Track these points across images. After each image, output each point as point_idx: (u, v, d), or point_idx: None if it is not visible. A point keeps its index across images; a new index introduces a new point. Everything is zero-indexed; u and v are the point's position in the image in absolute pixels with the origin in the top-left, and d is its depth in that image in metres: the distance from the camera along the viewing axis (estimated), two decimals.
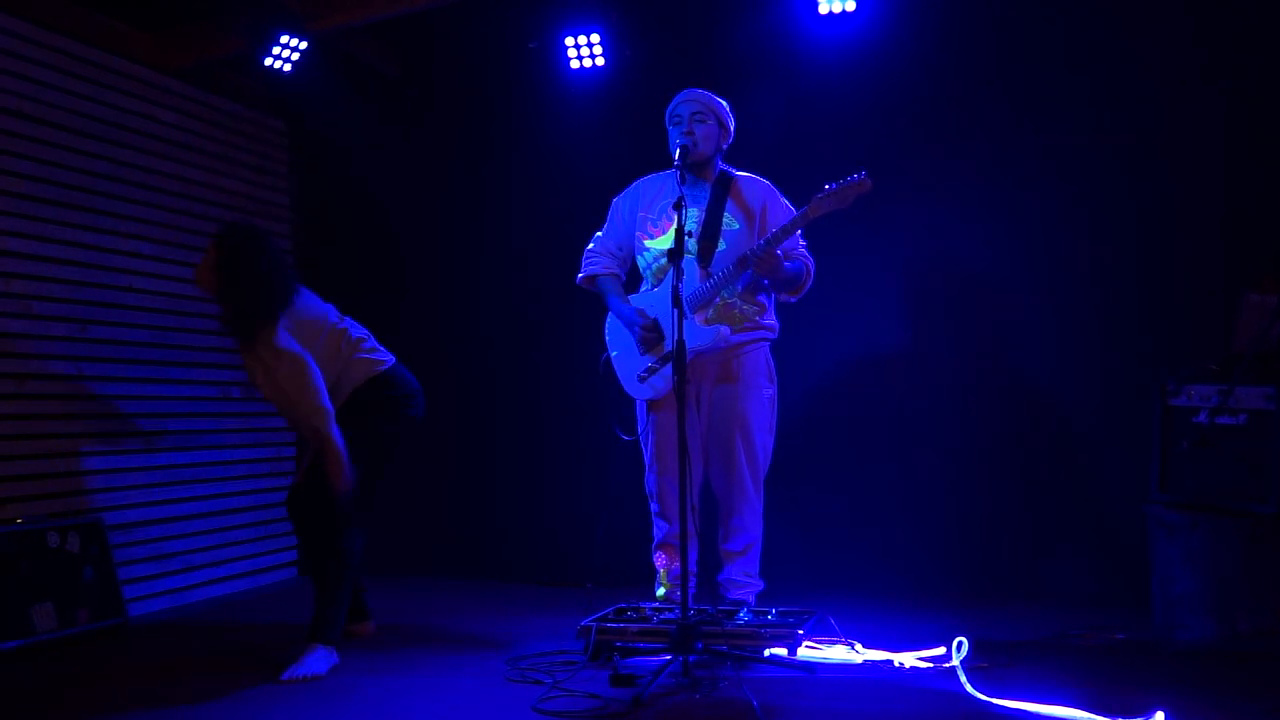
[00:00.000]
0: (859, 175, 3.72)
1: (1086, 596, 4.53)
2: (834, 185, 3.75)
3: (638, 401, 4.18)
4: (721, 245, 3.99)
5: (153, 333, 5.02)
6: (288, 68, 5.13)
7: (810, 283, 4.02)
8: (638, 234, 4.16)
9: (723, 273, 3.95)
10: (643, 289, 4.21)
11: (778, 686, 3.32)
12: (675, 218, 3.55)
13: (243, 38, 5.07)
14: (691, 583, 3.84)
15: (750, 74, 5.16)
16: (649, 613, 3.87)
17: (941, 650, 3.58)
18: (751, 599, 4.06)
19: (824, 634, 3.77)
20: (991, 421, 4.84)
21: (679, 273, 3.48)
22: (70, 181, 4.66)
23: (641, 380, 4.10)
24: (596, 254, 4.27)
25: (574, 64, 5.19)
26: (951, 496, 4.87)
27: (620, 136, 5.29)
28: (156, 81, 5.13)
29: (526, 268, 5.61)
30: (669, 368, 3.93)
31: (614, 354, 4.21)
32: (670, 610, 3.84)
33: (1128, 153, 4.65)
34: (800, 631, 3.63)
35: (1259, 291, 3.80)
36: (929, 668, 3.53)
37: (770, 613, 3.86)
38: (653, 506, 4.19)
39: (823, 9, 4.74)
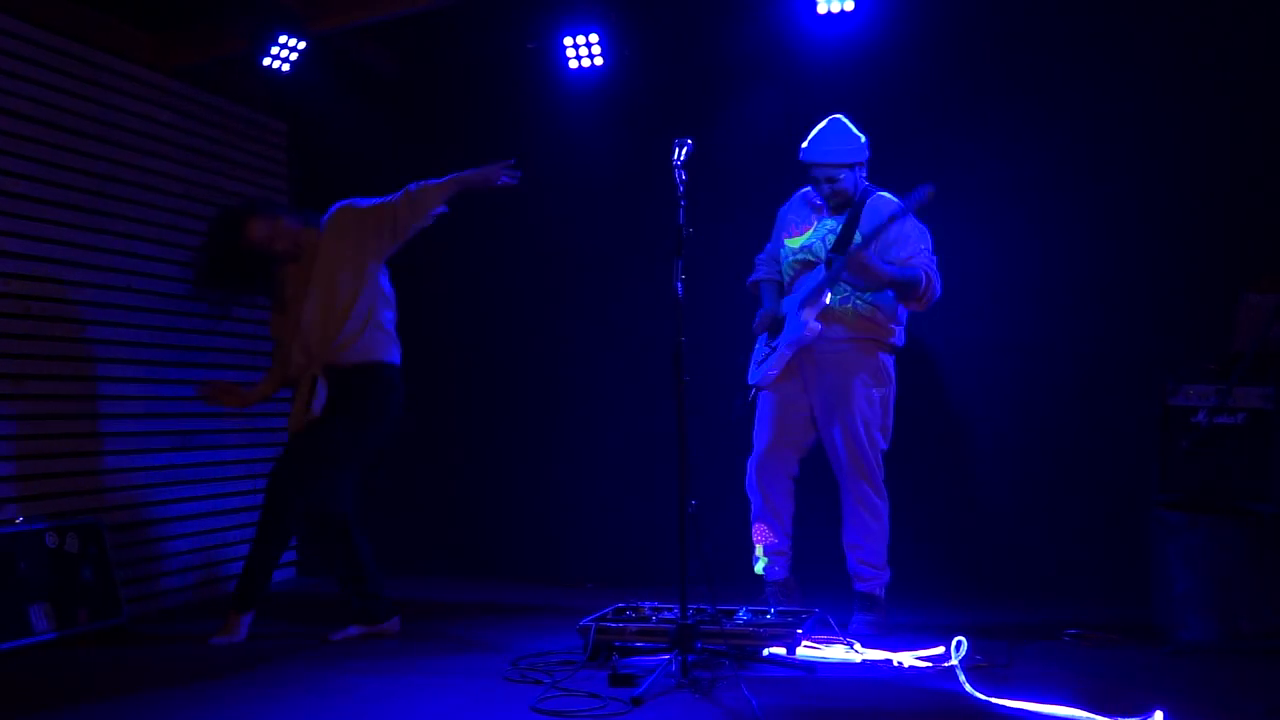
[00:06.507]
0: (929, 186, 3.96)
1: (1086, 596, 4.52)
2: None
3: (752, 390, 4.33)
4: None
5: (151, 333, 5.02)
6: (286, 68, 5.14)
7: (934, 294, 4.09)
8: (784, 235, 4.37)
9: (827, 271, 4.18)
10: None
11: (776, 686, 3.31)
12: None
13: (243, 38, 5.08)
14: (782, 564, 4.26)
15: (749, 74, 5.17)
16: (648, 612, 3.87)
17: (941, 650, 3.58)
18: (879, 591, 4.11)
19: (823, 633, 3.77)
20: (990, 421, 4.84)
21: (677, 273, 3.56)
22: (70, 182, 4.65)
23: (758, 365, 4.30)
24: (761, 261, 4.49)
25: (573, 64, 5.20)
26: (950, 495, 4.87)
27: (620, 136, 5.29)
28: (156, 81, 5.12)
29: (526, 267, 5.61)
30: (778, 354, 4.21)
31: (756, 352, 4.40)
32: (669, 610, 3.84)
33: (1127, 153, 4.65)
34: (799, 631, 3.63)
35: (1257, 291, 3.80)
36: (928, 667, 3.52)
37: (769, 612, 3.86)
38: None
39: (821, 9, 4.75)
